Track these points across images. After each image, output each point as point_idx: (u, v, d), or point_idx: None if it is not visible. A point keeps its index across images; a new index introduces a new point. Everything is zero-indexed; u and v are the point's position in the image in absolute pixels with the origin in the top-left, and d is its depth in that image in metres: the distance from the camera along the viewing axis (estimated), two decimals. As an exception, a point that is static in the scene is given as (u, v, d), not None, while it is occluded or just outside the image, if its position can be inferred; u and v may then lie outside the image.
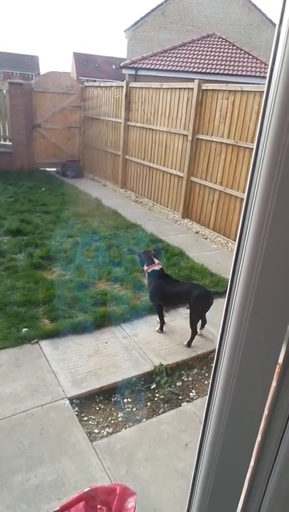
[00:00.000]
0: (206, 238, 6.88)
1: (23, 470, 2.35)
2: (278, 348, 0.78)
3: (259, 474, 0.96)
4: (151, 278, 3.88)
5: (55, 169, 10.87)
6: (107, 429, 2.80)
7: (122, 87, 9.06)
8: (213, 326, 3.95)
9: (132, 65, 15.80)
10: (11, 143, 10.40)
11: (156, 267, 3.87)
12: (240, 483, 0.99)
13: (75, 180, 10.11)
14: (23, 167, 10.34)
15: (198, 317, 3.81)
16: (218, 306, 3.68)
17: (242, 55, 16.21)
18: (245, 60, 16.04)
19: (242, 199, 6.07)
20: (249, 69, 15.61)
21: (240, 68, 15.60)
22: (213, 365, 0.88)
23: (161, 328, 3.93)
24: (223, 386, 0.85)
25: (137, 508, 1.85)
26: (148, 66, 15.60)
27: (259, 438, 0.94)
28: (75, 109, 10.96)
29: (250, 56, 16.19)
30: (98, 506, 1.82)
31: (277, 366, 0.82)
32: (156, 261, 3.92)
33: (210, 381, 0.90)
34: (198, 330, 3.82)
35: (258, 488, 0.98)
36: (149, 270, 3.87)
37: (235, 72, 15.29)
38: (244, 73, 15.35)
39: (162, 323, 3.94)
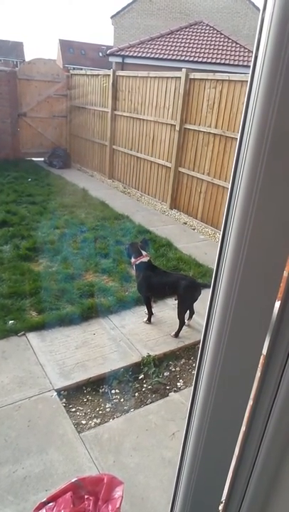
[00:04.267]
0: (193, 229, 6.88)
1: (10, 462, 2.34)
2: (262, 339, 0.78)
3: (244, 463, 0.97)
4: (139, 270, 3.87)
5: (41, 159, 10.71)
6: (94, 420, 2.80)
7: (109, 75, 8.93)
8: (201, 316, 3.97)
9: (118, 53, 15.56)
10: (-5, 132, 10.20)
11: (144, 259, 3.86)
12: (225, 471, 1.00)
13: (62, 171, 9.99)
14: (9, 157, 10.16)
15: (186, 308, 3.83)
16: (206, 297, 3.69)
17: (230, 44, 16.10)
18: (233, 48, 15.93)
19: (229, 190, 6.07)
20: (237, 58, 15.52)
21: (227, 57, 15.50)
22: (198, 355, 0.88)
23: (149, 319, 3.93)
24: (208, 377, 0.85)
25: (124, 497, 1.86)
26: (135, 54, 15.38)
27: (244, 428, 0.95)
28: (61, 97, 10.77)
29: (238, 45, 16.08)
30: (86, 496, 1.83)
31: (262, 357, 0.83)
32: (144, 253, 3.91)
33: (195, 369, 0.90)
34: (186, 321, 3.84)
35: (243, 476, 0.99)
36: (136, 262, 3.86)
37: (222, 61, 15.20)
38: (232, 62, 15.26)
39: (150, 314, 3.94)
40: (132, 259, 3.91)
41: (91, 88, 9.90)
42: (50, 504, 1.75)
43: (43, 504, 1.76)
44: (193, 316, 3.98)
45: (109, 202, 7.62)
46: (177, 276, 3.99)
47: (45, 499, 1.77)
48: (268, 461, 0.92)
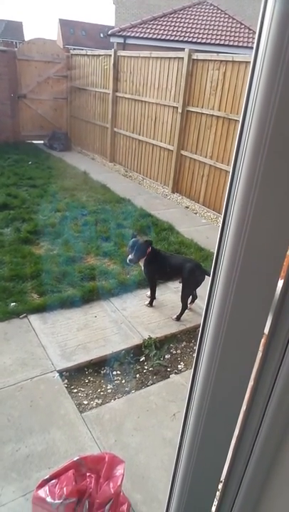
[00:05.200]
0: (195, 213, 6.84)
1: (13, 441, 2.38)
2: (264, 318, 0.77)
3: (243, 443, 0.98)
4: (147, 260, 3.77)
5: (41, 142, 10.59)
6: (96, 401, 2.84)
7: (110, 55, 8.74)
8: (203, 300, 3.98)
9: (120, 33, 15.22)
10: (-5, 114, 10.06)
11: (148, 249, 3.75)
12: (225, 451, 1.01)
13: (63, 154, 9.89)
14: (8, 139, 10.05)
15: (190, 291, 3.82)
16: (208, 282, 3.69)
17: (234, 25, 15.73)
18: (238, 29, 15.58)
19: (232, 173, 6.02)
20: (241, 39, 15.19)
21: (232, 38, 15.16)
22: (199, 335, 0.88)
23: (150, 303, 3.94)
24: (209, 357, 0.85)
25: (125, 475, 1.90)
26: (137, 34, 15.05)
27: (244, 407, 0.95)
28: (61, 78, 10.58)
29: (243, 26, 15.72)
30: (87, 474, 1.86)
31: (264, 337, 0.82)
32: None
33: (196, 350, 0.90)
34: (188, 304, 3.85)
35: (243, 456, 1.00)
36: (143, 261, 3.75)
37: (227, 43, 14.87)
38: (236, 44, 14.94)
39: (153, 298, 3.94)
40: (144, 257, 3.74)
41: (92, 69, 9.71)
42: (53, 481, 1.78)
43: (46, 481, 1.79)
44: (196, 300, 3.99)
45: (110, 185, 7.56)
46: (183, 258, 3.97)
47: (47, 476, 1.81)
48: (267, 441, 0.93)
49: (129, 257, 3.67)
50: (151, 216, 6.16)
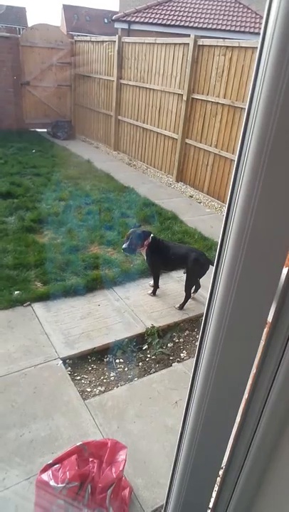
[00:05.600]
0: (199, 202, 6.81)
1: (17, 426, 2.41)
2: (268, 306, 0.77)
3: (245, 430, 0.99)
4: (149, 250, 3.78)
5: (45, 130, 10.52)
6: (99, 388, 2.87)
7: (115, 41, 8.62)
8: (206, 289, 3.98)
9: (124, 19, 14.99)
10: (-2, 101, 9.99)
11: (149, 239, 3.76)
12: (226, 438, 1.01)
13: (67, 142, 9.83)
14: (12, 127, 9.99)
15: (194, 281, 3.82)
16: (212, 271, 3.70)
17: (240, 9, 15.44)
18: (244, 14, 15.30)
19: (237, 162, 5.96)
20: (248, 24, 14.92)
21: (238, 24, 14.90)
22: (202, 324, 0.88)
23: (153, 292, 3.95)
24: (211, 344, 0.85)
25: (127, 461, 1.92)
26: (142, 20, 14.81)
27: (246, 395, 0.95)
28: (65, 65, 10.46)
29: (250, 11, 15.43)
30: (90, 459, 1.89)
31: (267, 325, 0.82)
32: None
33: (198, 340, 0.90)
34: (191, 294, 3.85)
35: (243, 444, 1.00)
36: (144, 248, 3.77)
37: (233, 28, 14.62)
38: (242, 29, 14.69)
39: (156, 287, 3.95)
40: (142, 247, 3.78)
41: (96, 56, 9.59)
42: (56, 466, 1.81)
43: (49, 466, 1.82)
44: (199, 289, 3.99)
45: (114, 174, 7.52)
46: (187, 248, 3.96)
47: (51, 461, 1.83)
48: (269, 427, 0.93)
49: (124, 245, 3.72)
50: (155, 205, 6.14)
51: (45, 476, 1.77)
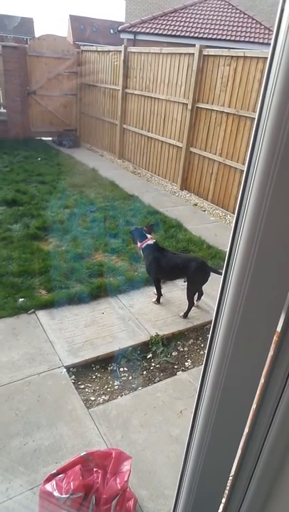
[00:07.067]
0: (204, 210, 6.81)
1: (20, 435, 2.40)
2: (277, 316, 0.76)
3: (253, 441, 0.97)
4: (146, 253, 3.84)
5: (51, 138, 10.61)
6: (103, 397, 2.85)
7: (120, 51, 8.72)
8: (210, 297, 3.97)
9: (130, 29, 15.17)
10: (5, 110, 10.08)
11: (150, 242, 3.82)
12: (234, 449, 1.00)
13: (72, 150, 9.91)
14: (18, 136, 10.08)
15: (195, 289, 3.81)
16: (215, 278, 3.68)
17: (245, 20, 15.59)
18: (249, 25, 15.43)
19: (242, 171, 5.98)
20: (253, 35, 15.04)
21: (243, 34, 15.02)
22: (210, 333, 0.87)
23: (158, 300, 3.94)
24: (220, 354, 0.84)
25: (132, 471, 1.90)
26: (147, 30, 14.99)
27: (254, 406, 0.94)
28: (71, 75, 10.59)
29: (254, 21, 15.57)
30: (94, 469, 1.87)
31: (276, 335, 0.81)
32: (148, 236, 3.87)
33: (206, 349, 0.89)
34: (194, 301, 3.84)
35: (252, 455, 0.99)
36: (143, 246, 3.83)
37: (238, 38, 14.74)
38: (247, 39, 14.80)
39: (159, 295, 3.94)
40: (138, 244, 3.91)
41: (102, 65, 9.70)
42: (60, 476, 1.79)
43: (53, 476, 1.80)
44: (202, 297, 3.97)
45: (118, 182, 7.55)
46: (187, 257, 3.96)
47: (55, 471, 1.81)
48: (278, 438, 0.92)
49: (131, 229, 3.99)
50: (159, 213, 6.15)
51: (49, 487, 1.75)
